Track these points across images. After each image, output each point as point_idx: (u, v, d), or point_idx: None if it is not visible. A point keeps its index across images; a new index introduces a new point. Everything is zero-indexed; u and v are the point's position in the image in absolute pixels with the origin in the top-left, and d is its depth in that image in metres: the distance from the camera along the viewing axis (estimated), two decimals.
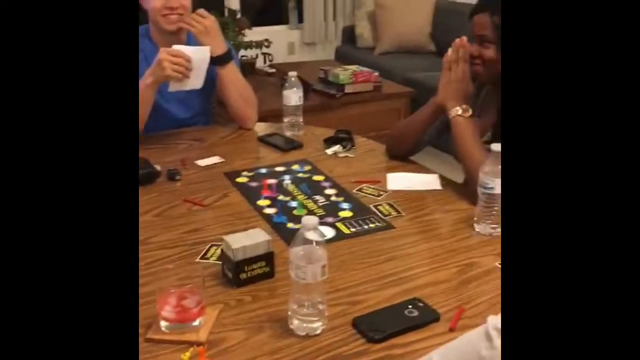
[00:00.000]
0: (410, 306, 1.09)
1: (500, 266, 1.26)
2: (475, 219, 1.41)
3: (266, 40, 3.63)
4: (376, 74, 3.26)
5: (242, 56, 3.49)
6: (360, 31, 4.80)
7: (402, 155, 1.82)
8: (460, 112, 1.58)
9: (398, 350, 1.00)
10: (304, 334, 1.03)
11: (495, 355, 0.57)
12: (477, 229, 1.40)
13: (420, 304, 1.10)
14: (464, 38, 1.60)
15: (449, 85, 1.61)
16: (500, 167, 1.35)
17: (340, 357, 0.99)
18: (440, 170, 1.76)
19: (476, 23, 1.58)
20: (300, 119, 2.09)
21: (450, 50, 1.61)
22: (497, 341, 0.57)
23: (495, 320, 0.59)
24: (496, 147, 1.37)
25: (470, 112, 1.58)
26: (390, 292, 1.17)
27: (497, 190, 1.35)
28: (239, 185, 1.67)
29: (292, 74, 2.09)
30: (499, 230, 1.38)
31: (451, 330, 1.04)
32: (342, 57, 4.60)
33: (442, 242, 1.36)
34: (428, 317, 1.07)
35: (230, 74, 2.00)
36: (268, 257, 1.20)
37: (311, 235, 1.02)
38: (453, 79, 1.60)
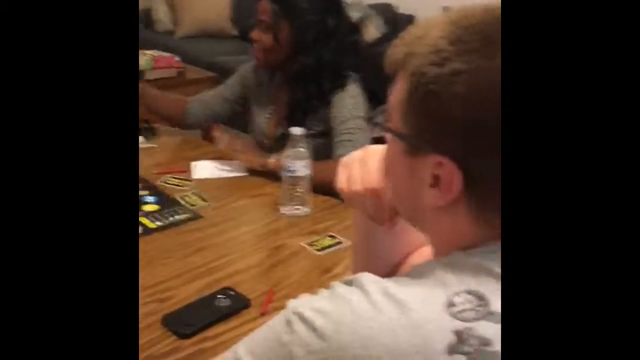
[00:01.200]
0: (220, 296, 1.09)
1: (306, 246, 1.30)
2: (280, 201, 1.44)
3: None
4: (177, 58, 3.17)
5: None
6: (157, 14, 4.62)
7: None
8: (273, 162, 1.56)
9: (209, 342, 1.00)
10: None
11: (295, 339, 0.57)
12: (282, 211, 1.43)
13: (231, 292, 1.11)
14: None
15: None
16: (301, 149, 1.40)
17: (151, 357, 0.96)
18: None
19: (259, 8, 1.60)
20: None
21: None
22: (296, 325, 0.57)
23: (294, 304, 0.60)
24: (296, 130, 1.41)
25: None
26: (200, 283, 1.15)
27: (300, 172, 1.39)
28: None
29: None
30: (305, 210, 1.43)
31: (262, 315, 1.06)
32: (140, 42, 4.39)
33: (250, 227, 1.38)
34: (239, 304, 1.08)
35: None
36: None
37: None
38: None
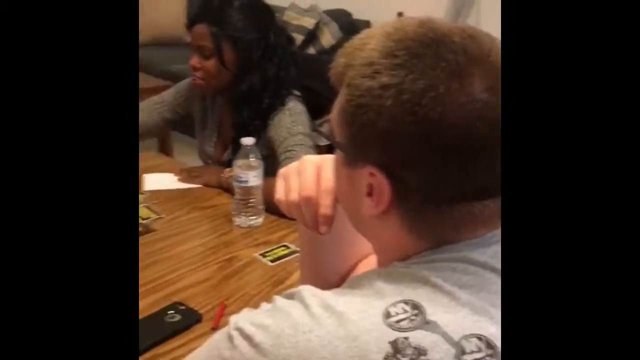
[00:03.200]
0: (171, 311, 1.07)
1: (260, 257, 1.30)
2: (233, 212, 1.43)
3: None
4: None
5: None
6: None
7: None
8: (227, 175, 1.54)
9: (162, 359, 0.98)
10: None
11: (236, 355, 0.57)
12: (236, 222, 1.42)
13: (182, 307, 1.09)
14: None
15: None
16: (252, 159, 1.39)
17: None
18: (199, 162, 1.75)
19: (195, 34, 1.53)
20: None
21: None
22: (237, 340, 0.57)
23: (235, 319, 0.60)
24: (247, 141, 1.40)
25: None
26: (151, 299, 1.13)
27: (252, 182, 1.39)
28: None
29: None
30: (258, 220, 1.42)
31: (213, 329, 1.05)
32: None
33: (203, 239, 1.36)
34: (190, 319, 1.06)
35: None
36: None
37: None
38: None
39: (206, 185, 1.59)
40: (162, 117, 1.73)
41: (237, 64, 1.53)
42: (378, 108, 0.56)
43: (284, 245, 1.34)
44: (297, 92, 1.59)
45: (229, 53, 1.52)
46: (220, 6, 1.52)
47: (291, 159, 1.47)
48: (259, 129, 1.55)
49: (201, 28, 1.52)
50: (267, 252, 1.31)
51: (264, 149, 1.53)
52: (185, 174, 1.61)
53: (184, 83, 1.74)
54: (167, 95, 1.76)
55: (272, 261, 1.28)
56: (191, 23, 1.54)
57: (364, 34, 0.62)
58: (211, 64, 1.53)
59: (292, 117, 1.54)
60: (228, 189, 1.52)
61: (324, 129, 0.73)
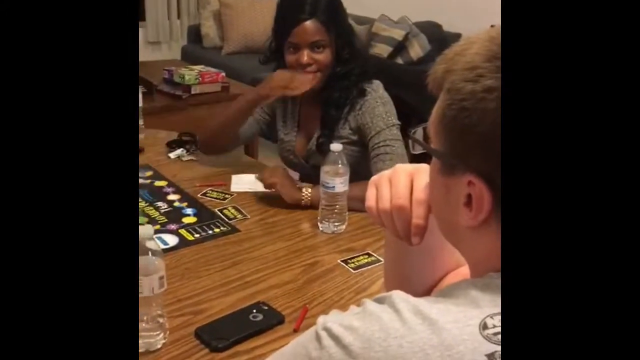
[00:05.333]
0: (254, 310, 1.08)
1: (342, 263, 1.29)
2: (318, 218, 1.43)
3: None
4: (223, 74, 3.22)
5: None
6: (206, 31, 4.71)
7: (218, 152, 1.80)
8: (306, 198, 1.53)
9: (243, 356, 0.99)
10: (143, 350, 0.98)
11: (324, 355, 0.57)
12: (321, 228, 1.42)
13: (265, 307, 1.10)
14: None
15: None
16: (340, 166, 1.39)
17: None
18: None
19: (307, 30, 1.56)
20: (141, 122, 2.00)
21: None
22: (325, 341, 0.57)
23: (323, 320, 0.59)
24: (335, 147, 1.40)
25: None
26: (235, 297, 1.15)
27: (338, 189, 1.39)
28: None
29: None
30: (342, 227, 1.42)
31: (295, 331, 1.05)
32: (189, 57, 4.49)
33: (287, 243, 1.37)
34: (272, 320, 1.07)
35: None
36: None
37: (149, 245, 0.98)
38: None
39: (286, 200, 1.54)
40: (257, 122, 1.76)
41: (343, 52, 1.60)
42: (481, 112, 0.54)
43: (367, 254, 1.33)
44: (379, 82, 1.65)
45: (334, 45, 1.59)
46: (327, 1, 1.59)
47: (388, 154, 1.52)
48: (346, 116, 1.60)
49: (315, 23, 1.56)
50: (350, 258, 1.30)
51: (352, 133, 1.60)
52: (264, 183, 1.57)
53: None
54: None
55: (354, 268, 1.27)
56: (298, 22, 1.56)
57: (464, 40, 0.61)
58: (325, 56, 1.58)
59: (384, 106, 1.58)
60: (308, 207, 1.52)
61: (418, 135, 0.72)
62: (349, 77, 1.61)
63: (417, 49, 3.86)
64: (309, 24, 1.55)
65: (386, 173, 0.76)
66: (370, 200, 0.76)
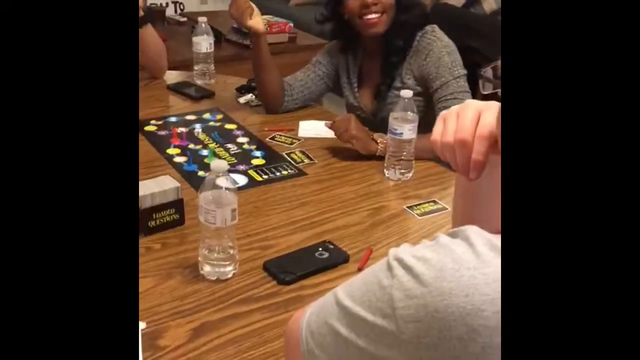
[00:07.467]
0: (320, 249, 1.11)
1: (408, 209, 1.29)
2: (385, 164, 1.43)
3: None
4: (291, 24, 3.21)
5: (152, 4, 3.33)
6: None
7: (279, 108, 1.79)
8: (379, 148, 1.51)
9: (308, 290, 1.02)
10: (214, 278, 1.03)
11: (395, 283, 0.57)
12: (387, 175, 1.43)
13: (331, 246, 1.12)
14: None
15: None
16: (410, 113, 1.38)
17: (251, 299, 0.99)
18: None
19: None
20: (212, 67, 2.04)
21: None
22: (397, 270, 0.58)
23: (395, 251, 0.60)
24: (406, 93, 1.39)
25: None
26: (301, 236, 1.18)
27: (406, 135, 1.38)
28: (147, 133, 1.61)
29: (202, 19, 2.03)
30: (408, 174, 1.42)
31: (359, 270, 1.07)
32: (258, 8, 4.48)
33: (354, 187, 1.38)
34: (338, 258, 1.09)
35: (149, 33, 1.93)
36: (177, 205, 1.18)
37: (220, 181, 1.01)
38: None
39: (361, 151, 1.51)
40: (324, 83, 1.79)
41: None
42: None
43: (433, 201, 1.32)
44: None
45: None
46: None
47: None
48: (409, 63, 1.61)
49: None
50: (415, 205, 1.31)
51: (417, 85, 1.60)
52: (341, 137, 1.54)
53: (328, 45, 1.82)
54: (319, 58, 1.80)
55: (420, 215, 1.27)
56: None
57: None
58: None
59: (450, 56, 1.56)
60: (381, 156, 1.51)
61: (489, 74, 0.70)
62: (410, 23, 1.59)
63: (490, 2, 3.73)
64: None
65: (455, 107, 0.75)
66: (436, 133, 0.75)
